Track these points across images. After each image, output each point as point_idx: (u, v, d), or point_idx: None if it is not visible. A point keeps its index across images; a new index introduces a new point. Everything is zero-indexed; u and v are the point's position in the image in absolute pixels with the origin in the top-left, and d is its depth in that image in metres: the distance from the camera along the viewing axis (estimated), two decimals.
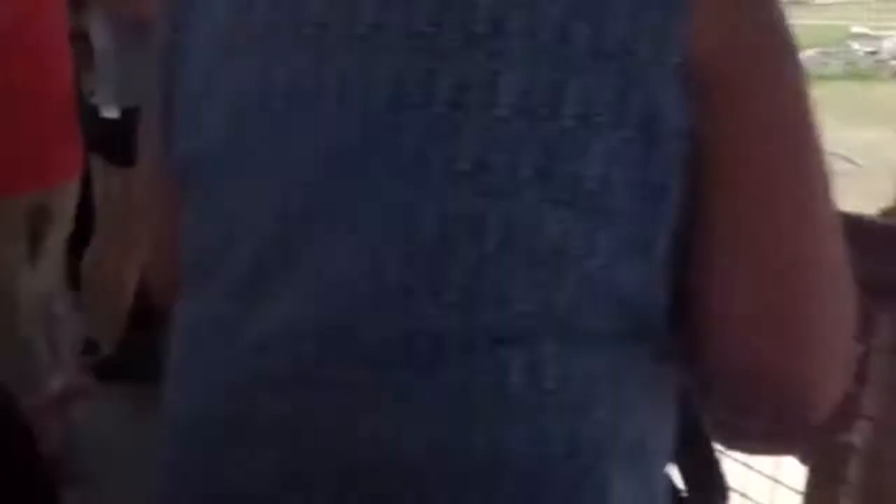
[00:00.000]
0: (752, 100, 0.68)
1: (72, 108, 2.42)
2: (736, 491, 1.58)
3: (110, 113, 2.68)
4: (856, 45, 26.75)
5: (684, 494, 1.13)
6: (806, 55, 25.60)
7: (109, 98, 2.70)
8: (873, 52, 26.12)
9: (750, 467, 1.75)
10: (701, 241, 0.69)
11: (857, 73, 22.75)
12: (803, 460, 1.79)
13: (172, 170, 0.77)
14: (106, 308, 2.95)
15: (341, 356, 0.69)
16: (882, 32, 28.59)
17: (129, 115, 2.68)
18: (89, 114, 2.69)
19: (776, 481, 1.79)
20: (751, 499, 1.77)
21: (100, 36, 2.74)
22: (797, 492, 1.79)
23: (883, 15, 33.34)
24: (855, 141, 9.33)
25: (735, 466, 1.65)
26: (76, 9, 2.64)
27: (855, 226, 0.86)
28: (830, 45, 26.51)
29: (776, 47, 0.69)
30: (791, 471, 1.82)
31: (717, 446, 1.37)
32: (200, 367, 0.76)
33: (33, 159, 2.22)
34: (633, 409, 0.72)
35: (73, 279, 3.14)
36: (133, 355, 2.65)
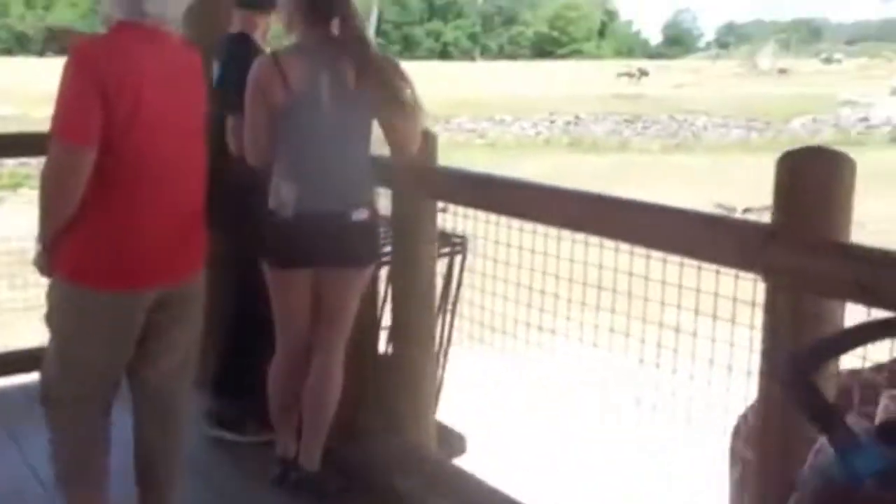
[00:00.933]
0: None
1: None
2: None
3: None
4: (846, 112, 26.67)
5: None
6: (798, 122, 25.55)
7: None
8: (863, 119, 26.04)
9: None
10: None
11: (849, 140, 22.63)
12: None
13: None
14: None
15: None
16: (870, 100, 28.55)
17: None
18: None
19: None
20: None
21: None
22: None
23: (869, 82, 33.43)
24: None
25: None
26: None
27: None
28: (820, 112, 26.41)
29: None
30: None
31: None
32: None
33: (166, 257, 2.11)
34: None
35: None
36: None
